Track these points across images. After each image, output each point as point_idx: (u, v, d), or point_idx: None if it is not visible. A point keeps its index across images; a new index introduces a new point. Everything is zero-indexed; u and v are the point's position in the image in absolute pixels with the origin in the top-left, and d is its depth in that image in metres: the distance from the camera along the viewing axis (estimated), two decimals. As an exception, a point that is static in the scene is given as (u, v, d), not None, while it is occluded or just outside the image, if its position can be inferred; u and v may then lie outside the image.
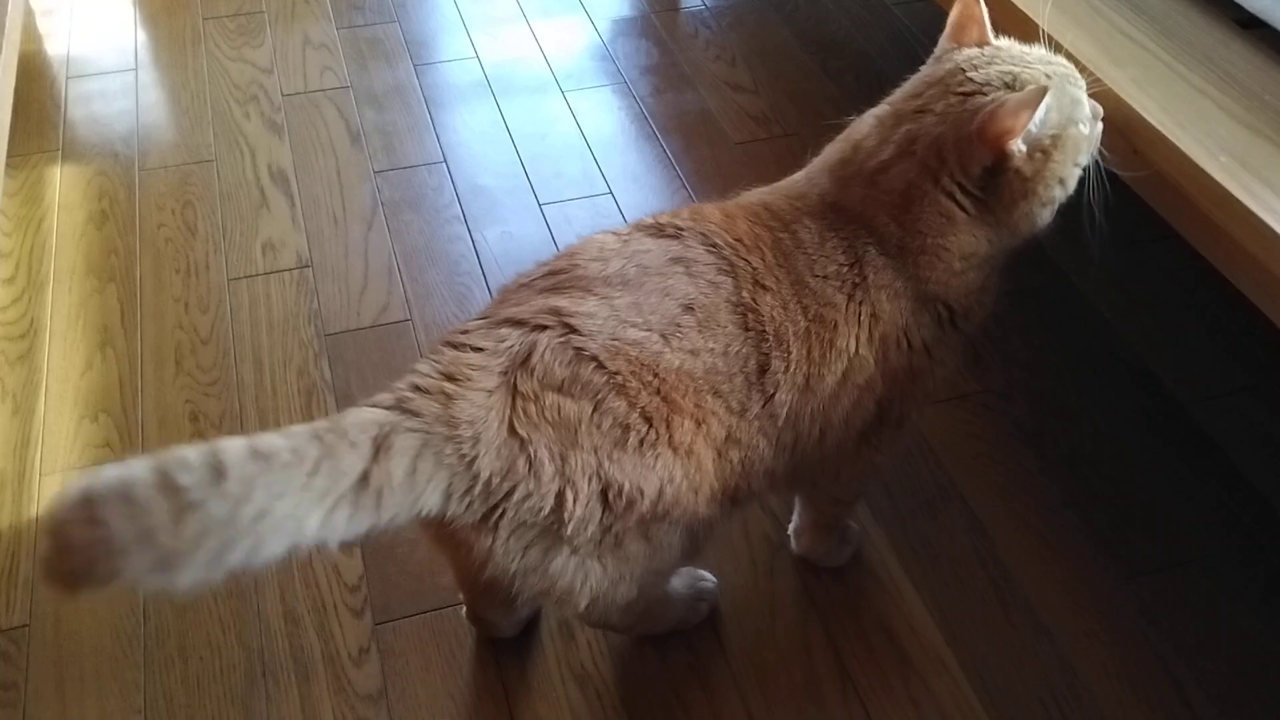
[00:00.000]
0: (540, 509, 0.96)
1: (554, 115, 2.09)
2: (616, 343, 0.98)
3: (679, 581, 1.27)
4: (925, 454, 1.49)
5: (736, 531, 1.39)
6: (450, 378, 0.96)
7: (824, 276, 1.07)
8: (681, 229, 1.08)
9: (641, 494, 0.98)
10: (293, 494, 0.85)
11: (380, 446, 0.90)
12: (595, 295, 1.01)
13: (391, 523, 0.92)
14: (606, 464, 0.96)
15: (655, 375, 0.98)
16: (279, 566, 1.35)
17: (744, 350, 1.03)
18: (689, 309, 1.02)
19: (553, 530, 0.97)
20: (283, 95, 2.13)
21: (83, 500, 0.80)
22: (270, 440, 0.86)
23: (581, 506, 0.96)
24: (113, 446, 1.50)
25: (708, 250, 1.05)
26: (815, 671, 1.27)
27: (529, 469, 0.95)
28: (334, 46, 2.26)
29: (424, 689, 1.25)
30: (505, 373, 0.97)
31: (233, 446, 0.84)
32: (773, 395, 1.04)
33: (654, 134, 2.04)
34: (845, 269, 1.07)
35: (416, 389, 0.96)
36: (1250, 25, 1.23)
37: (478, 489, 0.94)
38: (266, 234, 1.83)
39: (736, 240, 1.07)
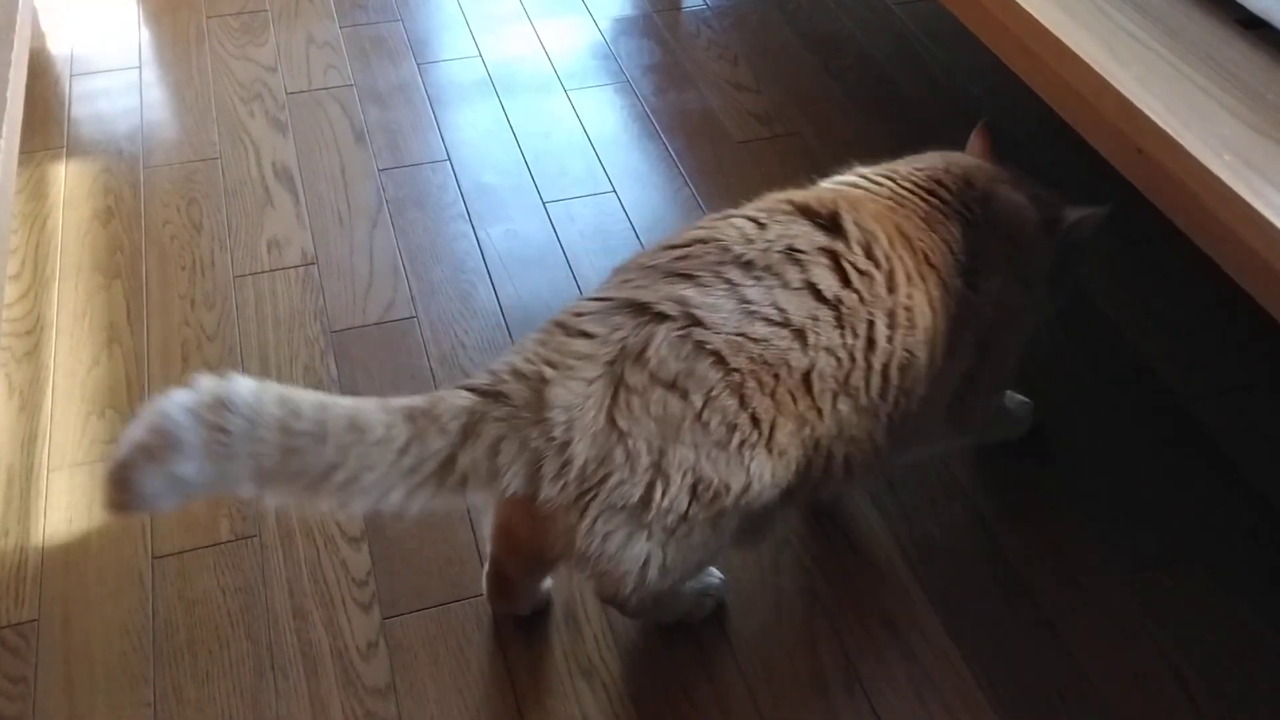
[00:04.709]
0: (631, 495, 0.98)
1: (557, 114, 2.10)
2: (741, 338, 0.98)
3: (689, 575, 1.29)
4: (928, 450, 1.50)
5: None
6: (551, 364, 0.98)
7: (968, 272, 1.13)
8: (838, 217, 1.07)
9: (728, 489, 1.00)
10: (381, 468, 0.93)
11: (469, 433, 0.95)
12: (726, 282, 1.01)
13: (473, 499, 0.99)
14: (704, 461, 0.98)
15: (774, 376, 0.99)
16: (284, 562, 1.36)
17: (888, 347, 1.04)
18: (833, 303, 1.01)
19: (637, 515, 0.99)
20: (287, 93, 2.13)
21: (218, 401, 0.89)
22: (369, 414, 0.93)
23: (670, 498, 0.98)
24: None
25: (860, 245, 1.05)
26: (820, 665, 1.28)
27: (625, 459, 0.96)
28: (337, 45, 2.27)
29: (432, 683, 1.26)
30: (612, 362, 0.98)
31: (338, 413, 0.92)
32: (910, 390, 1.07)
33: (656, 132, 2.05)
34: (988, 259, 1.14)
35: (515, 372, 0.98)
36: (1252, 25, 1.24)
37: (572, 473, 0.96)
38: (272, 231, 1.84)
39: (888, 236, 1.07)
